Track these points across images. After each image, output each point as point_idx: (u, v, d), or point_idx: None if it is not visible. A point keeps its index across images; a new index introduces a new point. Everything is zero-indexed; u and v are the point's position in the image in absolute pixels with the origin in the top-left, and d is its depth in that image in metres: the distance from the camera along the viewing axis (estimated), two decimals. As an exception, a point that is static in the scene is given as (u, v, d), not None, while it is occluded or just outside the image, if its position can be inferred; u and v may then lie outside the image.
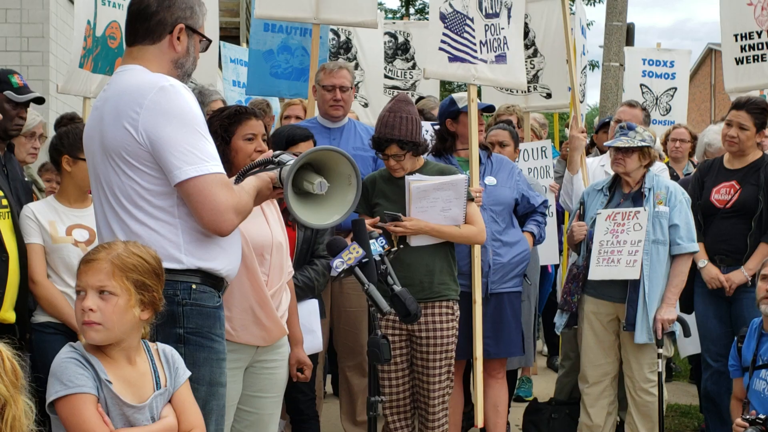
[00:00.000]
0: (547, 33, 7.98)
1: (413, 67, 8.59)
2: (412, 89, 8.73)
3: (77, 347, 2.67)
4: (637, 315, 5.01)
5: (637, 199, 5.18)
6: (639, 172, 5.20)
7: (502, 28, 5.53)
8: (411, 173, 4.69)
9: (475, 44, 5.41)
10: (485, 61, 5.46)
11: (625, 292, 5.08)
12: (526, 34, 7.95)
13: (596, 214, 5.23)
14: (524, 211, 5.49)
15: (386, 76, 8.93)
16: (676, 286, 5.10)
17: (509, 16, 5.58)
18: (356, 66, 8.01)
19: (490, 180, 5.33)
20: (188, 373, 2.85)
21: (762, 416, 4.25)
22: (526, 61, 7.86)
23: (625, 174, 5.20)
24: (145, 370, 2.75)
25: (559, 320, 5.38)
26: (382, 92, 8.93)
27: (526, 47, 7.95)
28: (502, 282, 5.23)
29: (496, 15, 5.51)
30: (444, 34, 5.33)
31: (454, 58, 5.36)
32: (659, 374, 5.06)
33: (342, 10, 6.52)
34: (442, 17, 5.31)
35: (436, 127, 5.56)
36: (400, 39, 8.93)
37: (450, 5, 5.34)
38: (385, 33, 8.99)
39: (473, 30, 5.39)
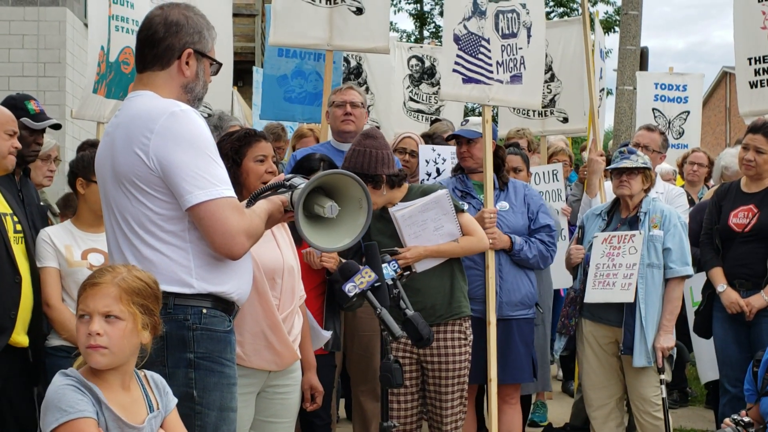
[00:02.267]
0: (564, 58, 8.00)
1: (438, 92, 8.63)
2: (436, 113, 8.77)
3: (71, 374, 2.64)
4: (634, 339, 5.02)
5: (634, 223, 5.21)
6: (640, 196, 5.25)
7: (520, 48, 5.54)
8: (394, 205, 4.68)
9: (491, 65, 5.41)
10: (501, 82, 5.47)
11: (621, 316, 5.09)
12: None
13: (593, 237, 5.26)
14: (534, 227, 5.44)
15: (412, 99, 8.99)
16: (671, 312, 5.10)
17: (529, 36, 5.58)
18: (366, 90, 8.06)
19: (502, 205, 5.31)
20: (175, 400, 2.83)
21: (746, 419, 4.21)
22: (543, 86, 7.89)
23: (629, 196, 5.22)
24: (137, 397, 2.74)
25: (558, 344, 5.39)
26: (396, 114, 8.96)
27: (543, 72, 7.97)
28: (510, 308, 5.19)
29: (514, 35, 5.52)
30: (458, 56, 5.35)
31: (468, 80, 5.38)
32: (663, 400, 5.04)
33: (354, 37, 6.57)
34: (456, 39, 5.34)
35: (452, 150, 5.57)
36: (427, 63, 8.99)
37: (464, 27, 5.35)
38: (413, 56, 9.05)
39: (489, 51, 5.40)
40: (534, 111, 7.99)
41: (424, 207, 4.64)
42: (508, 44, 5.51)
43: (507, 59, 5.49)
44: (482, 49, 5.39)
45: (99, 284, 2.65)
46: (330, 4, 6.53)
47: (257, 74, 9.87)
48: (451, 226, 4.69)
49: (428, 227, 4.65)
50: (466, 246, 4.76)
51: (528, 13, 5.58)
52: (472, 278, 5.02)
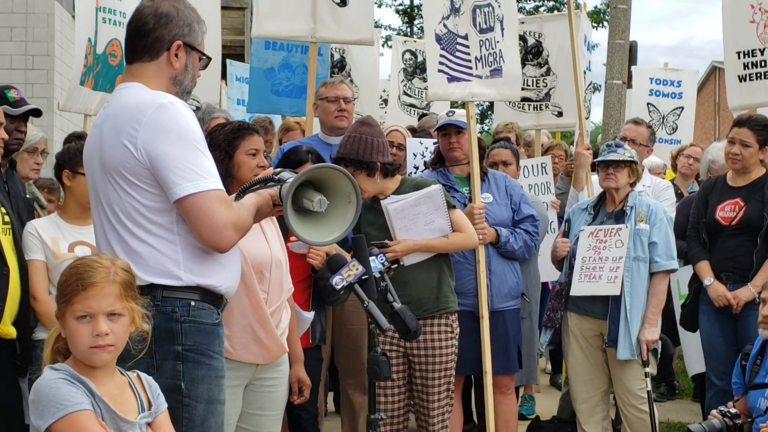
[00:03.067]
0: (561, 52, 8.00)
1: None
2: (426, 108, 8.76)
3: (60, 368, 2.63)
4: (619, 331, 5.04)
5: (620, 217, 5.23)
6: (626, 190, 5.27)
7: (497, 42, 5.56)
8: (386, 196, 4.68)
9: (469, 61, 5.43)
10: (480, 77, 5.49)
11: (606, 309, 5.12)
12: (539, 53, 7.98)
13: (579, 231, 5.28)
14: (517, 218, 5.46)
15: (405, 93, 9.01)
16: (656, 305, 5.12)
17: (503, 28, 5.60)
18: (351, 83, 8.07)
19: (485, 197, 5.32)
20: (166, 405, 2.83)
21: (732, 411, 4.25)
22: (539, 80, 7.90)
23: (615, 189, 5.24)
24: (124, 388, 2.74)
25: (543, 337, 5.42)
26: (392, 108, 8.95)
27: (539, 66, 7.98)
28: (499, 300, 5.23)
29: (491, 29, 5.53)
30: (441, 56, 5.38)
31: (452, 78, 5.40)
32: (648, 393, 5.07)
33: (339, 29, 6.53)
34: (438, 39, 5.36)
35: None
36: (419, 58, 8.99)
37: (444, 26, 5.37)
38: (407, 50, 9.06)
39: (467, 47, 5.42)
40: (529, 104, 8.01)
41: (417, 201, 4.65)
42: (486, 39, 5.52)
43: (486, 54, 5.50)
44: (459, 46, 5.41)
45: (98, 284, 2.63)
46: (313, -5, 6.49)
47: (231, 67, 9.84)
48: (441, 221, 4.69)
49: (419, 221, 4.66)
50: (456, 242, 4.77)
51: (500, 6, 5.59)
52: (462, 273, 5.04)
